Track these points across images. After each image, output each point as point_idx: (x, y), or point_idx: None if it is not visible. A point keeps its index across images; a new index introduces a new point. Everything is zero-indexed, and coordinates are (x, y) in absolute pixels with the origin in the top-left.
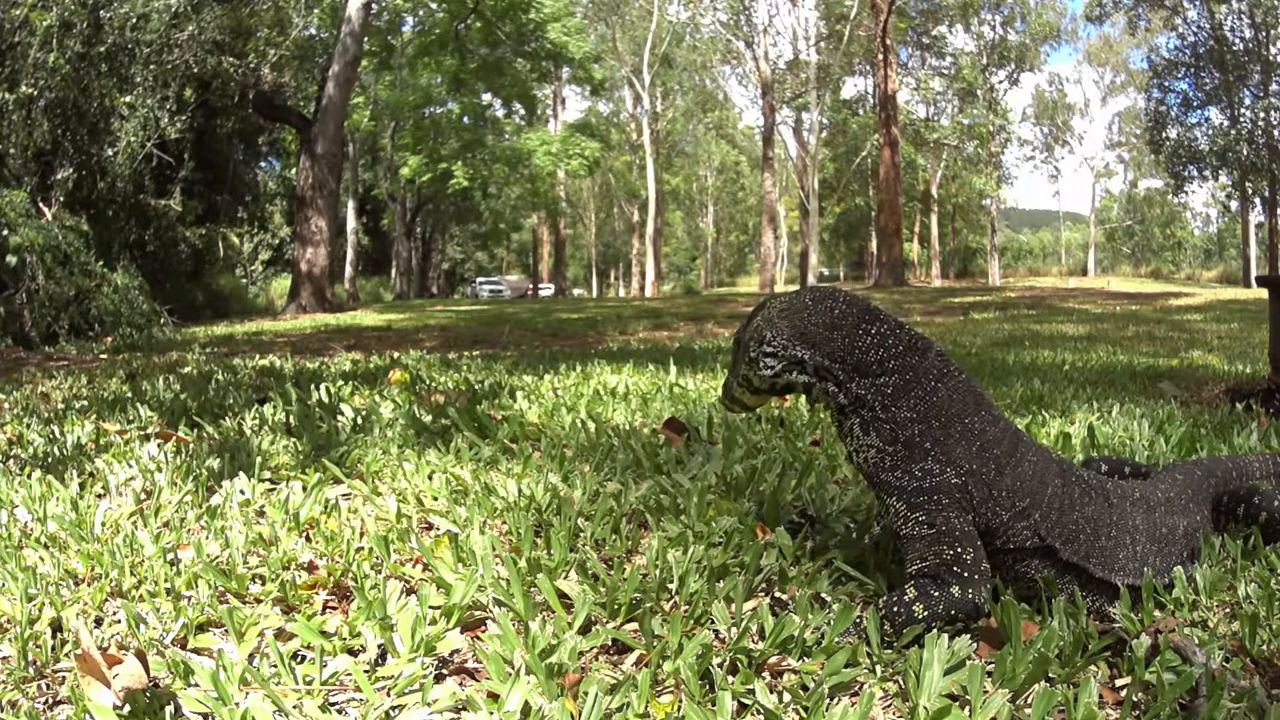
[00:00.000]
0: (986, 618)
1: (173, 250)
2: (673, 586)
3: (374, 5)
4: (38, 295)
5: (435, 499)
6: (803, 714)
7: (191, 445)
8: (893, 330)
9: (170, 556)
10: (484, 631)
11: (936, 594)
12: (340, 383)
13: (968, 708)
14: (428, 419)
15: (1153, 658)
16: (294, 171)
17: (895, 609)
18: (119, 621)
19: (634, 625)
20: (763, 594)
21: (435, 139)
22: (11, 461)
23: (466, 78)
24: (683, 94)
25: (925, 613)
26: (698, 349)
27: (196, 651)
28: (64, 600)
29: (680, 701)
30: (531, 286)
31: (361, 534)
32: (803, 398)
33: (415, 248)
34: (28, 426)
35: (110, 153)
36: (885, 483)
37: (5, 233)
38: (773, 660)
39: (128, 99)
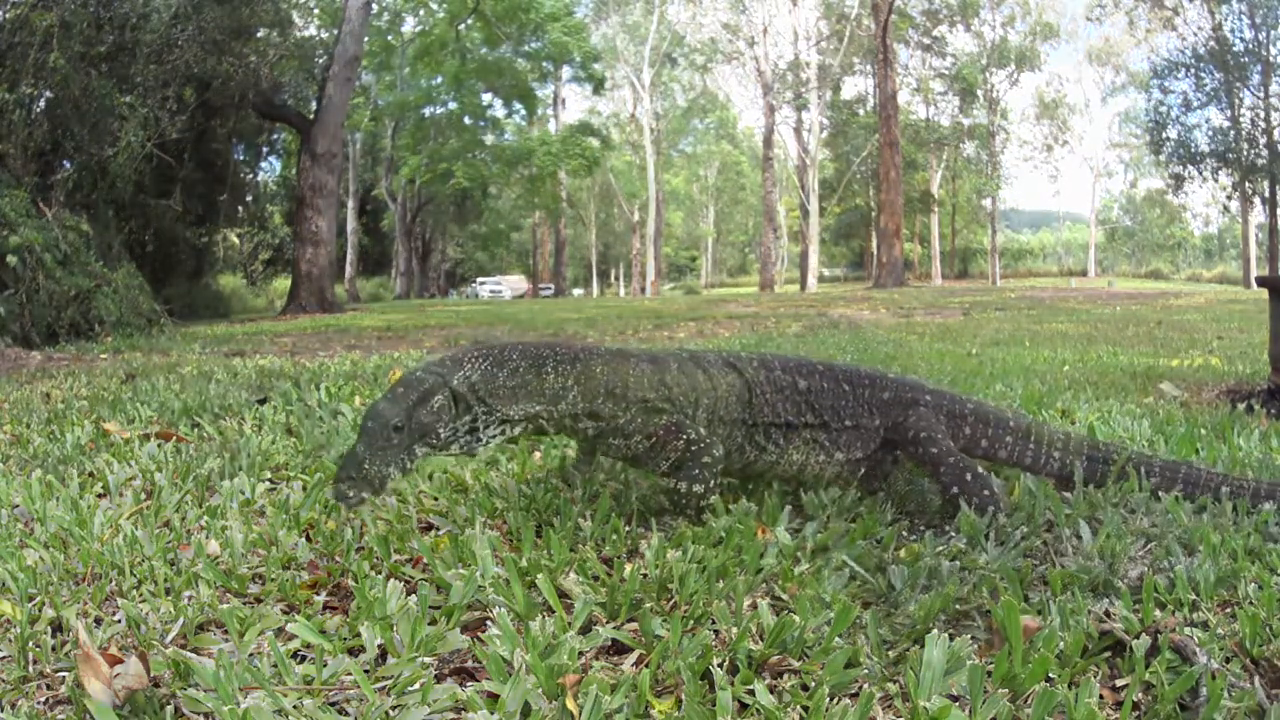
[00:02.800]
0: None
1: (173, 250)
2: (673, 586)
3: (374, 5)
4: (38, 295)
5: (435, 499)
6: (803, 714)
7: (192, 445)
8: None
9: (170, 556)
10: (484, 631)
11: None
12: (340, 383)
13: (968, 708)
14: None
15: (1153, 658)
16: (294, 171)
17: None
18: (119, 621)
19: (634, 625)
20: (763, 594)
21: (435, 139)
22: (11, 461)
23: (466, 78)
24: (684, 93)
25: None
26: (698, 349)
27: (196, 651)
28: (64, 600)
29: (680, 701)
30: (531, 287)
31: (361, 534)
32: None
33: (415, 248)
34: (28, 426)
35: (110, 153)
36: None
37: (5, 233)
38: (773, 660)
39: (128, 99)
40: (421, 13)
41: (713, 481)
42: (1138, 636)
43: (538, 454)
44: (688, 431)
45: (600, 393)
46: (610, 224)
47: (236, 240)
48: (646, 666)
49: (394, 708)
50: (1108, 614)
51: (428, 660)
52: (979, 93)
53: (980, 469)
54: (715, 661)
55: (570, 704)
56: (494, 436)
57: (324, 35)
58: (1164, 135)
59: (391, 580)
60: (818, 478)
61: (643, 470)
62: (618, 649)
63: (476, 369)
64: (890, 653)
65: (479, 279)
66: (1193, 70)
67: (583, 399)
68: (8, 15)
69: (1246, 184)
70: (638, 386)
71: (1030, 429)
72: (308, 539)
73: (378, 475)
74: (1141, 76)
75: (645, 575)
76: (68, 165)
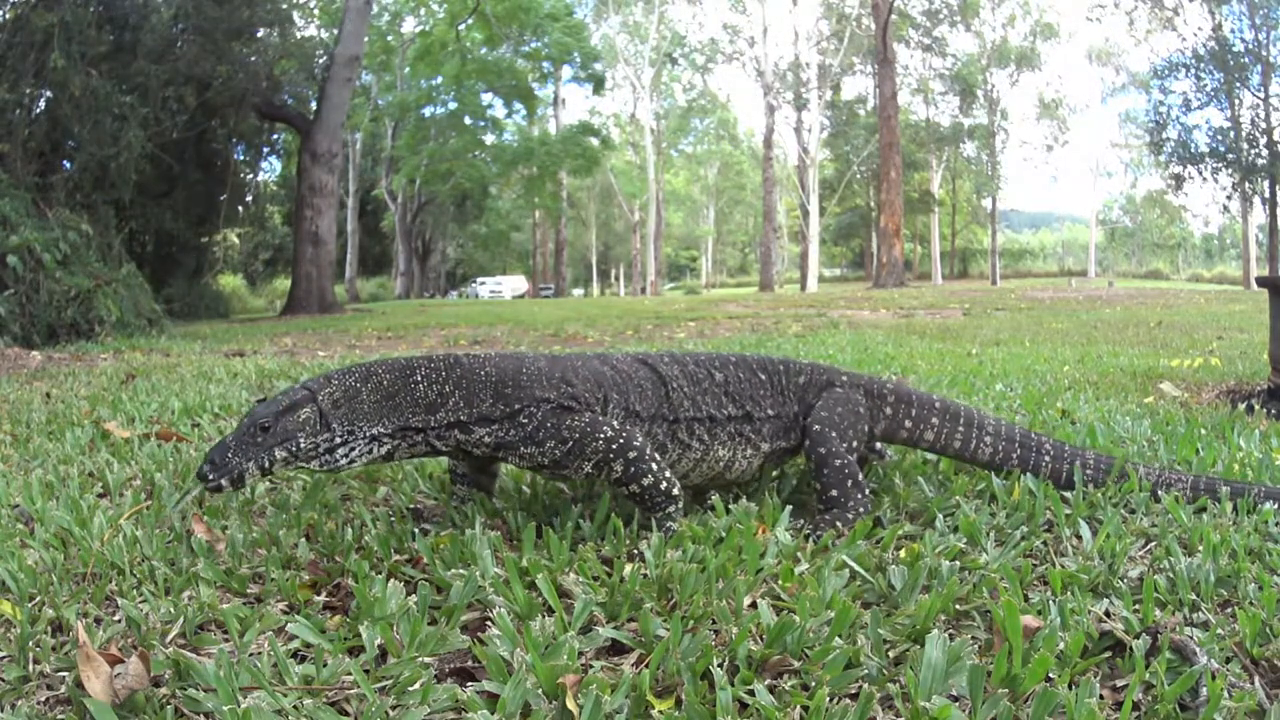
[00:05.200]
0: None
1: (173, 250)
2: (673, 586)
3: (374, 5)
4: (38, 295)
5: (435, 499)
6: (803, 714)
7: (192, 445)
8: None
9: (170, 556)
10: (484, 631)
11: (634, 469)
12: None
13: (968, 708)
14: None
15: (1153, 658)
16: (294, 171)
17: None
18: (119, 621)
19: (634, 625)
20: (763, 594)
21: (435, 139)
22: (12, 461)
23: (466, 78)
24: (684, 93)
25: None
26: (698, 349)
27: (196, 651)
28: (64, 600)
29: (680, 701)
30: (531, 286)
31: (361, 534)
32: None
33: (415, 248)
34: (28, 426)
35: (110, 153)
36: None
37: (5, 233)
38: (773, 660)
39: (128, 99)
40: (422, 13)
41: (655, 466)
42: (1138, 636)
43: None
44: (604, 429)
45: (488, 396)
46: (610, 224)
47: (236, 240)
48: (646, 666)
49: (394, 708)
50: (1108, 614)
51: (428, 660)
52: (979, 93)
53: (861, 477)
54: (715, 661)
55: (570, 704)
56: (362, 455)
57: (324, 35)
58: (1164, 135)
59: (391, 580)
60: (744, 473)
61: (563, 478)
62: (618, 649)
63: (341, 386)
64: (890, 653)
65: (479, 279)
66: (1193, 70)
67: (465, 404)
68: (8, 15)
69: (1246, 184)
70: (533, 385)
71: (959, 413)
72: (308, 539)
73: (237, 467)
74: (1142, 76)
75: (645, 575)
76: (68, 165)
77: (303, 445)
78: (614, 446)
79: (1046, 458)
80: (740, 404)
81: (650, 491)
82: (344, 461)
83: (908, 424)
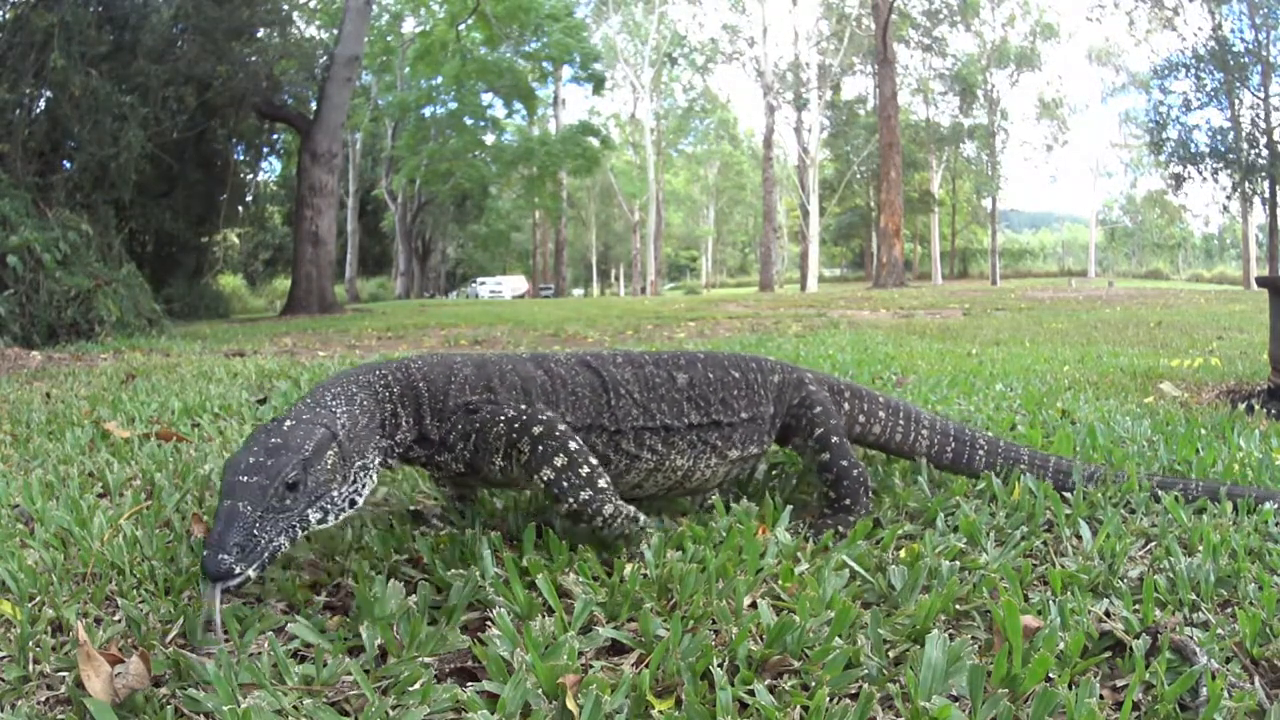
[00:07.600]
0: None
1: (173, 250)
2: (673, 586)
3: (374, 5)
4: (38, 295)
5: (435, 499)
6: (803, 714)
7: (192, 445)
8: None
9: (170, 556)
10: (484, 631)
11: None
12: None
13: (968, 708)
14: None
15: (1153, 658)
16: (294, 171)
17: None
18: (119, 621)
19: (634, 625)
20: (763, 594)
21: (435, 139)
22: (12, 461)
23: (466, 78)
24: (684, 93)
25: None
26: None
27: (196, 651)
28: (64, 600)
29: (680, 701)
30: (531, 286)
31: (361, 534)
32: None
33: (415, 248)
34: (28, 426)
35: (110, 152)
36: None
37: (5, 233)
38: (773, 660)
39: (128, 99)
40: (422, 13)
41: (601, 481)
42: (1138, 636)
43: None
44: (505, 411)
45: (426, 411)
46: (610, 224)
47: (236, 240)
48: (646, 666)
49: (394, 708)
50: (1108, 614)
51: (428, 660)
52: (979, 93)
53: (863, 468)
54: (715, 661)
55: (570, 704)
56: (361, 494)
57: (324, 35)
58: (1164, 135)
59: (391, 580)
60: (706, 483)
61: (486, 485)
62: (618, 649)
63: (346, 414)
64: (890, 653)
65: (479, 279)
66: (1193, 70)
67: (414, 422)
68: (8, 15)
69: (1246, 184)
70: (460, 394)
71: (899, 407)
72: (308, 539)
73: (267, 547)
74: (1142, 76)
75: (645, 575)
76: (68, 165)
77: (335, 498)
78: (515, 426)
79: (980, 452)
80: (705, 410)
81: (588, 514)
82: (363, 498)
83: (861, 419)
